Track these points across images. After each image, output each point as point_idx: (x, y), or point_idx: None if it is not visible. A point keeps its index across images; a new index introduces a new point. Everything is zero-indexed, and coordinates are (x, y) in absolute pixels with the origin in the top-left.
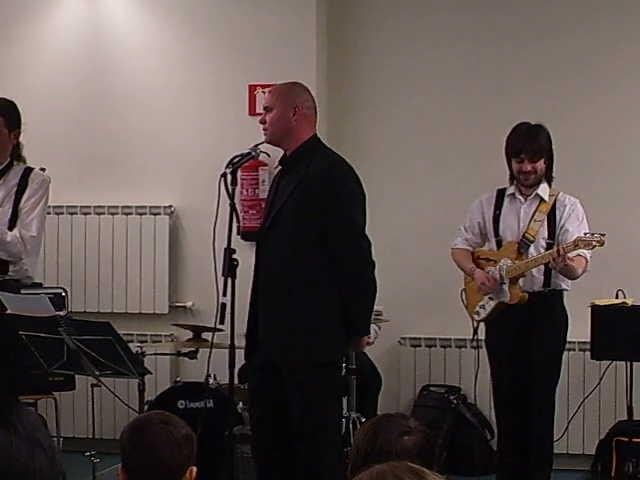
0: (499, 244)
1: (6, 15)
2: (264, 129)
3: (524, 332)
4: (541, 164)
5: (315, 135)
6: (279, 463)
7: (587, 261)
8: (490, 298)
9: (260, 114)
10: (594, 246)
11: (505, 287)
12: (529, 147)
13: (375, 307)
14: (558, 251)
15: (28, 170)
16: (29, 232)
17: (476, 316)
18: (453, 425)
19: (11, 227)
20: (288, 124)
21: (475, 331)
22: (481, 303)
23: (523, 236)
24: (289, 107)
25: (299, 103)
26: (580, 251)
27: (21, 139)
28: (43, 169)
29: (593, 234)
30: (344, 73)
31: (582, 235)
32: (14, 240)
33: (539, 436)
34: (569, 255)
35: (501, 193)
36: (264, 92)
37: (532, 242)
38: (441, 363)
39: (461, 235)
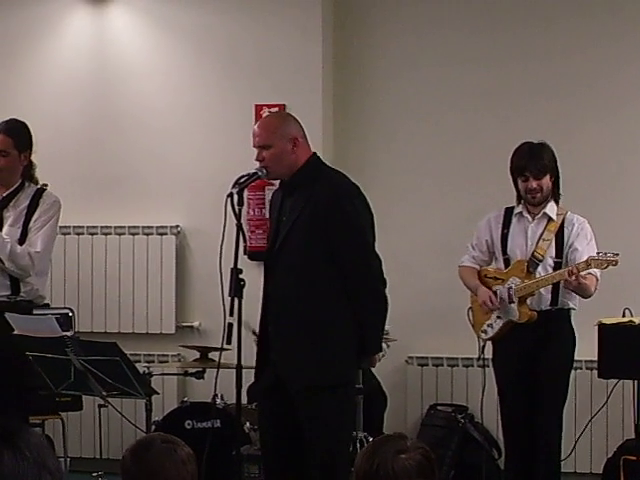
0: (507, 263)
1: (13, 36)
2: (263, 166)
3: (531, 352)
4: (547, 181)
5: (314, 154)
6: None
7: (597, 280)
8: (498, 317)
9: None
10: (607, 266)
11: (514, 306)
12: (532, 164)
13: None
14: (571, 271)
15: (40, 191)
16: (33, 248)
17: (483, 334)
18: (460, 444)
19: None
20: (289, 157)
21: (482, 350)
22: (489, 322)
23: (532, 255)
24: (287, 141)
25: (296, 134)
26: (592, 270)
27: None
28: (45, 185)
29: (606, 253)
30: (350, 93)
31: (594, 255)
32: (23, 253)
33: (547, 456)
34: (581, 274)
35: (509, 212)
36: (270, 112)
37: (541, 261)
38: (448, 382)
39: (468, 253)
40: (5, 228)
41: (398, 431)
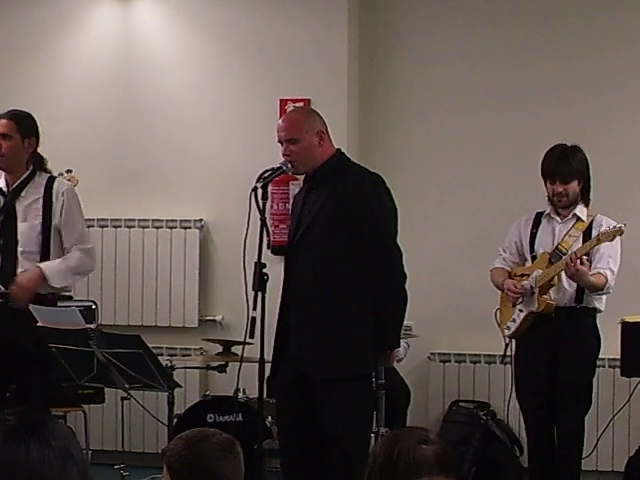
0: (534, 260)
1: (39, 29)
2: (290, 161)
3: (553, 350)
4: (574, 186)
5: (339, 150)
6: (307, 477)
7: (607, 280)
8: (520, 310)
9: None
10: (614, 236)
11: (534, 296)
12: (560, 169)
13: (405, 322)
14: (572, 257)
15: (51, 180)
16: (86, 245)
17: (506, 331)
18: (482, 441)
19: (44, 242)
20: (316, 151)
21: (506, 348)
22: (512, 317)
23: (556, 247)
24: (314, 134)
25: (321, 127)
26: (600, 269)
27: (55, 153)
28: (70, 170)
29: (615, 226)
30: (376, 88)
31: (605, 229)
32: (80, 259)
33: (567, 456)
34: (585, 261)
35: (539, 215)
36: (295, 106)
37: (564, 254)
38: (470, 379)
39: (500, 256)
40: (21, 225)
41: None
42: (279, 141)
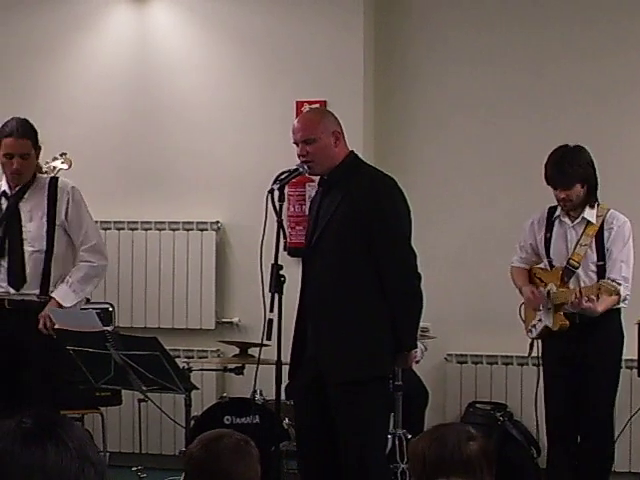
0: (551, 265)
1: (55, 32)
2: (306, 161)
3: (579, 353)
4: (577, 191)
5: (352, 152)
6: (325, 478)
7: (620, 294)
8: (539, 320)
9: None
10: (612, 294)
11: (550, 312)
12: (558, 177)
13: (422, 324)
14: (576, 294)
15: (54, 180)
16: (89, 243)
17: (530, 334)
18: (499, 442)
19: (49, 239)
20: (332, 152)
21: (531, 347)
22: (533, 322)
23: (568, 263)
24: (330, 135)
25: (337, 128)
26: (613, 281)
27: (71, 155)
28: (64, 154)
29: (614, 280)
30: (392, 90)
31: (607, 281)
32: (85, 267)
33: (598, 454)
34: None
35: (551, 213)
36: (311, 108)
37: (577, 268)
38: (487, 380)
39: (517, 253)
40: (28, 225)
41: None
42: (294, 142)
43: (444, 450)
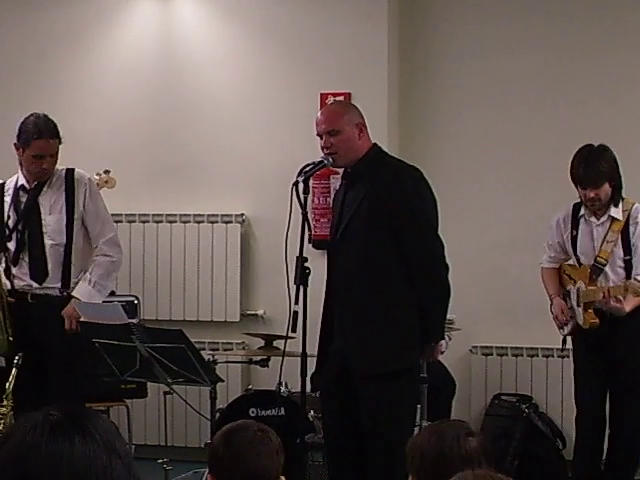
0: (579, 261)
1: (80, 27)
2: (330, 153)
3: (612, 348)
4: (605, 189)
5: (375, 145)
6: (352, 471)
7: None
8: (571, 317)
9: None
10: (638, 294)
11: (580, 310)
12: (587, 177)
13: (447, 316)
14: (605, 294)
15: (70, 172)
16: (108, 235)
17: (561, 330)
18: (524, 434)
19: (69, 232)
20: (356, 144)
21: (564, 342)
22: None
23: (595, 260)
24: (354, 127)
25: (360, 120)
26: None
27: (95, 150)
28: (107, 171)
29: None
30: (416, 82)
31: (634, 282)
32: (104, 263)
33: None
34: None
35: (577, 210)
36: (335, 100)
37: (605, 265)
38: (513, 372)
39: (546, 252)
40: (47, 218)
41: (462, 420)
42: (318, 134)
43: (443, 445)
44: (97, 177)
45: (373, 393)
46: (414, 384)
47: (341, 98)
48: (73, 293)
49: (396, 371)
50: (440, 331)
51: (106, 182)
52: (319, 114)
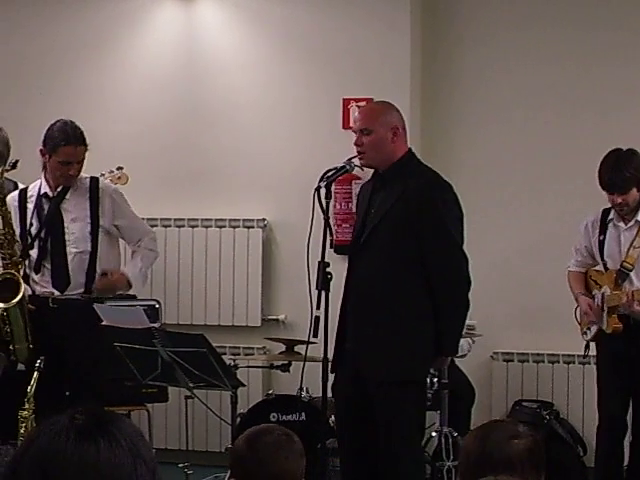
0: (606, 267)
1: (101, 30)
2: (360, 152)
3: (635, 354)
4: (633, 194)
5: (410, 150)
6: (365, 474)
7: None
8: (594, 322)
9: (351, 128)
10: None
11: (604, 314)
12: (614, 182)
13: (468, 321)
14: (631, 294)
15: (94, 181)
16: (150, 234)
17: (585, 336)
18: (545, 441)
19: (94, 240)
20: (387, 146)
21: (587, 348)
22: (588, 325)
23: (621, 265)
24: (388, 129)
25: (397, 124)
26: None
27: (117, 153)
28: (120, 168)
29: None
30: (438, 88)
31: None
32: (149, 255)
33: None
34: None
35: (605, 215)
36: (358, 106)
37: (631, 270)
38: (534, 378)
39: (573, 256)
40: (70, 227)
41: (514, 421)
42: (353, 130)
43: (485, 448)
44: (110, 174)
45: (380, 399)
46: (421, 394)
47: (363, 104)
48: (125, 270)
49: (405, 381)
50: (454, 346)
51: (119, 178)
52: (358, 111)
